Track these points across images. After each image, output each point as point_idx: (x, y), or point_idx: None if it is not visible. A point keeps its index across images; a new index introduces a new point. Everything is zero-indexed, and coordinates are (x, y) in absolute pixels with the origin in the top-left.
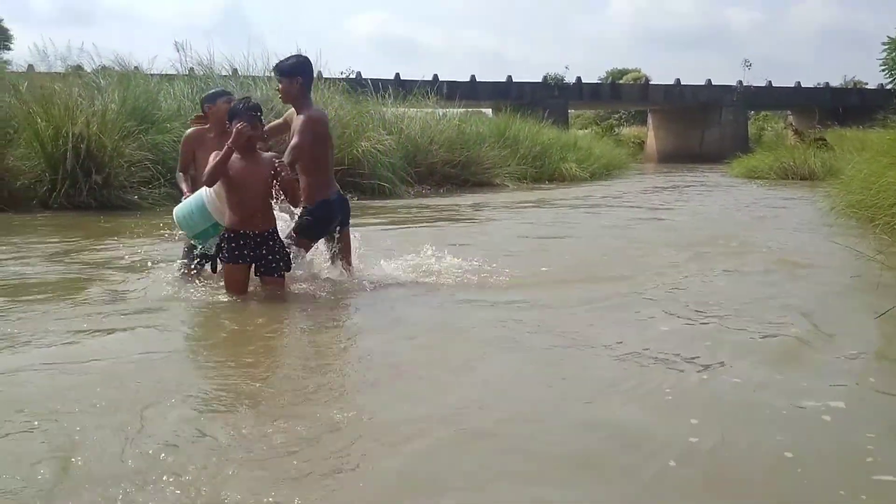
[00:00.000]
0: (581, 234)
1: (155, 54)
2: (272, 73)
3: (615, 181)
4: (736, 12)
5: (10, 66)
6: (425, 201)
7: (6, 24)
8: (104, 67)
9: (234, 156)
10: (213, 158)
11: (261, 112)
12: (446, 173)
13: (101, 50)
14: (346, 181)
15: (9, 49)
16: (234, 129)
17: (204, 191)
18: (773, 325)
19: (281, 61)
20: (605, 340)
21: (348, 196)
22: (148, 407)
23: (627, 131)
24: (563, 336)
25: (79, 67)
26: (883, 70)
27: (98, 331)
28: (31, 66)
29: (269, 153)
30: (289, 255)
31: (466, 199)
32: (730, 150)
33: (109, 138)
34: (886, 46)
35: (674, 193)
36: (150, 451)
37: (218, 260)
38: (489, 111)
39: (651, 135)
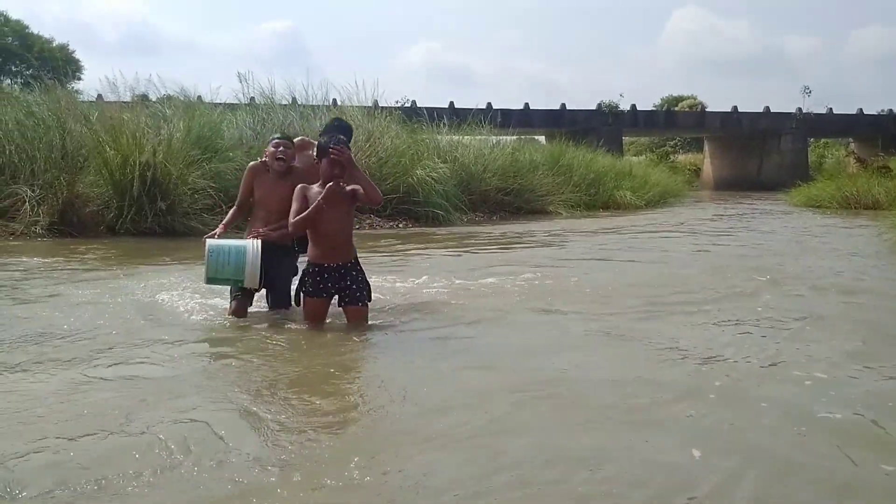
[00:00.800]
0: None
1: (219, 84)
2: (331, 104)
3: (674, 208)
4: (793, 39)
5: (80, 96)
6: (484, 228)
7: (76, 55)
8: (169, 97)
9: (316, 189)
10: (297, 199)
11: (348, 141)
12: (499, 201)
13: (165, 80)
14: (401, 208)
15: (79, 79)
16: (328, 189)
17: (251, 246)
18: None
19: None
20: None
21: (403, 223)
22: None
23: (683, 158)
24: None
25: (145, 97)
26: None
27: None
28: (100, 96)
29: (352, 186)
30: (369, 284)
31: (526, 227)
32: (789, 179)
33: (174, 166)
34: None
35: (740, 220)
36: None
37: (301, 293)
38: (542, 139)
39: (707, 162)
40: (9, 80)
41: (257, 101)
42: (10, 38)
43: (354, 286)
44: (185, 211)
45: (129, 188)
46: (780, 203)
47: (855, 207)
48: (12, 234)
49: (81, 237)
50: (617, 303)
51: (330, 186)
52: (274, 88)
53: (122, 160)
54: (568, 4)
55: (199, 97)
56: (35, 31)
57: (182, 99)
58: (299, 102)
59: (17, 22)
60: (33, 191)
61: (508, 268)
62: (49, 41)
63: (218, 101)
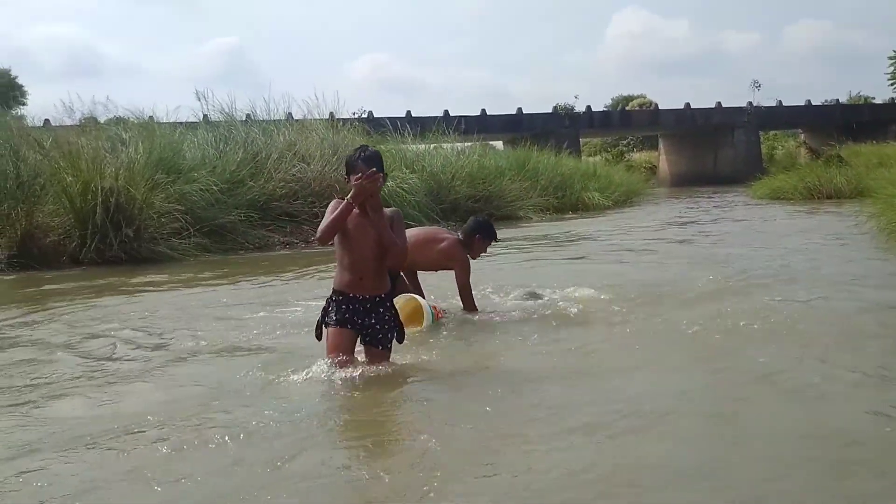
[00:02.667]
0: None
1: (176, 105)
2: (290, 117)
3: (644, 207)
4: (731, 34)
5: (27, 121)
6: None
7: (18, 80)
8: (120, 119)
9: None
10: (330, 211)
11: (381, 161)
12: (470, 208)
13: (113, 102)
14: None
15: (23, 104)
16: (355, 184)
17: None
18: None
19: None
20: None
21: None
22: None
23: (638, 156)
24: None
25: (93, 119)
26: (891, 84)
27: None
28: (47, 121)
29: (391, 208)
30: (402, 325)
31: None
32: (744, 171)
33: (138, 190)
34: (892, 61)
35: (724, 215)
36: None
37: (323, 326)
38: (499, 144)
39: (663, 159)
40: None
41: (216, 119)
42: None
43: (379, 325)
44: (151, 236)
45: (91, 215)
46: (743, 196)
47: (818, 198)
48: None
49: (44, 268)
50: None
51: (358, 183)
52: (234, 105)
53: (83, 186)
54: (508, 14)
55: (151, 117)
56: None
57: (136, 120)
58: (260, 118)
59: None
60: None
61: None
62: None
63: (176, 121)
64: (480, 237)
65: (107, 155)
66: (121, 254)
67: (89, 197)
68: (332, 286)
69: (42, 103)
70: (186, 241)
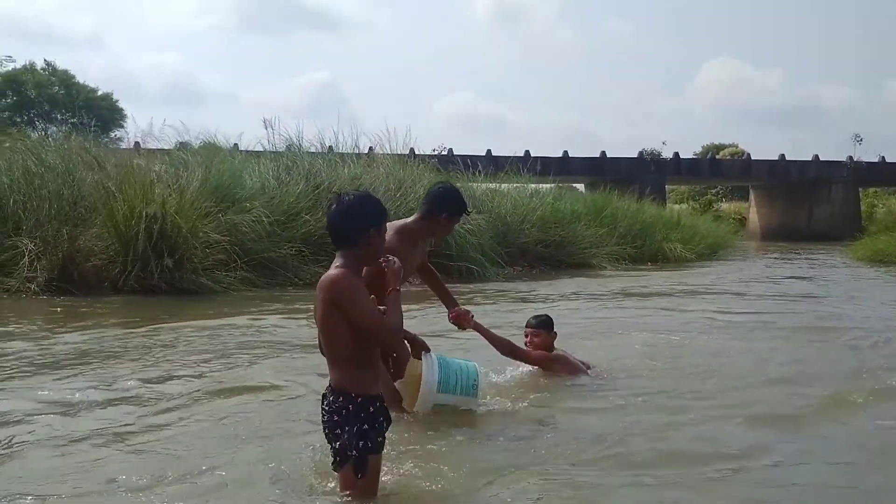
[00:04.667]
0: None
1: (241, 131)
2: (364, 151)
3: (731, 262)
4: (828, 88)
5: (121, 144)
6: (528, 285)
7: (119, 104)
8: (186, 144)
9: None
10: (368, 300)
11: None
12: (539, 253)
13: (208, 130)
14: (433, 262)
15: (122, 127)
16: (396, 269)
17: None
18: None
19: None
20: None
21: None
22: None
23: (727, 206)
24: None
25: (184, 144)
26: None
27: None
28: (137, 144)
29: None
30: (364, 433)
31: (570, 284)
32: (840, 229)
33: (185, 219)
34: None
35: (826, 278)
36: None
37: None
38: (581, 187)
39: (753, 211)
40: (54, 128)
41: (282, 149)
42: (56, 88)
43: (327, 430)
44: (194, 267)
45: (133, 241)
46: (841, 256)
47: None
48: (7, 290)
49: (80, 295)
50: None
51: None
52: (302, 134)
53: (129, 210)
54: (596, 59)
55: (236, 145)
56: (81, 81)
57: (198, 146)
58: (329, 149)
59: (64, 72)
60: (35, 244)
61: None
62: (94, 90)
63: (248, 150)
64: (448, 216)
65: (162, 178)
66: (161, 283)
67: (133, 222)
68: (364, 390)
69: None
70: (232, 275)
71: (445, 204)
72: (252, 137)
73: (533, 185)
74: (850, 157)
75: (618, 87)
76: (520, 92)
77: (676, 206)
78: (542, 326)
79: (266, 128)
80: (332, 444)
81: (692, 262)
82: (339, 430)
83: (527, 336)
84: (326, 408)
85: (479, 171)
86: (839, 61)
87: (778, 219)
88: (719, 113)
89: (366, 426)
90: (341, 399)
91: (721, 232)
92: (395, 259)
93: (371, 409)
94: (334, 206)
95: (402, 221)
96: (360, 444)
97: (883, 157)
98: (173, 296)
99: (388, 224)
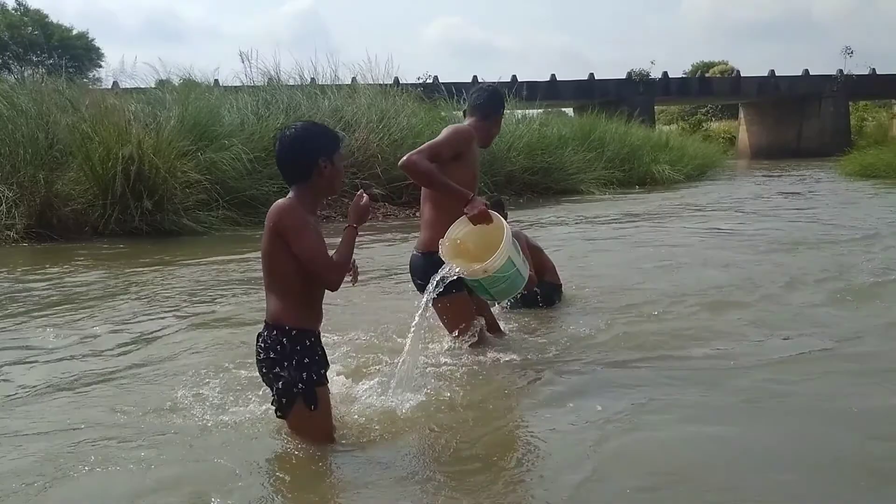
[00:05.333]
0: None
1: (218, 66)
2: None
3: (720, 182)
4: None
5: (100, 84)
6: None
7: (95, 43)
8: (162, 81)
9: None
10: (318, 237)
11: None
12: (526, 181)
13: (189, 66)
14: (418, 194)
15: (100, 67)
16: (361, 207)
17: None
18: None
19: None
20: None
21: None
22: None
23: (716, 126)
24: None
25: (164, 83)
26: None
27: None
28: (115, 83)
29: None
30: (305, 366)
31: (572, 210)
32: (830, 145)
33: (163, 159)
34: None
35: (820, 197)
36: None
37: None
38: (570, 111)
39: (743, 129)
40: (30, 71)
41: (260, 83)
42: (29, 28)
43: (265, 370)
44: (175, 208)
45: (111, 184)
46: (831, 172)
47: None
48: None
49: (62, 240)
50: None
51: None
52: (279, 67)
53: (106, 153)
54: None
55: (217, 81)
56: (55, 21)
57: (177, 83)
58: (307, 82)
59: (36, 11)
60: (12, 191)
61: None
62: (69, 30)
63: (229, 85)
64: (500, 115)
65: (139, 118)
66: (142, 225)
67: (110, 164)
68: (300, 324)
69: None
70: (214, 214)
71: (501, 102)
72: (230, 72)
73: (520, 112)
74: (840, 71)
75: (607, 6)
76: (508, 16)
77: (665, 128)
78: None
79: (243, 61)
80: (273, 387)
81: (680, 182)
82: (277, 368)
83: None
84: (262, 345)
85: (465, 100)
86: None
87: (768, 136)
88: (709, 30)
89: (306, 359)
90: (275, 333)
91: (710, 152)
92: (366, 196)
93: (308, 342)
94: (278, 143)
95: (465, 126)
96: (305, 375)
97: (873, 70)
98: (155, 238)
99: (459, 129)
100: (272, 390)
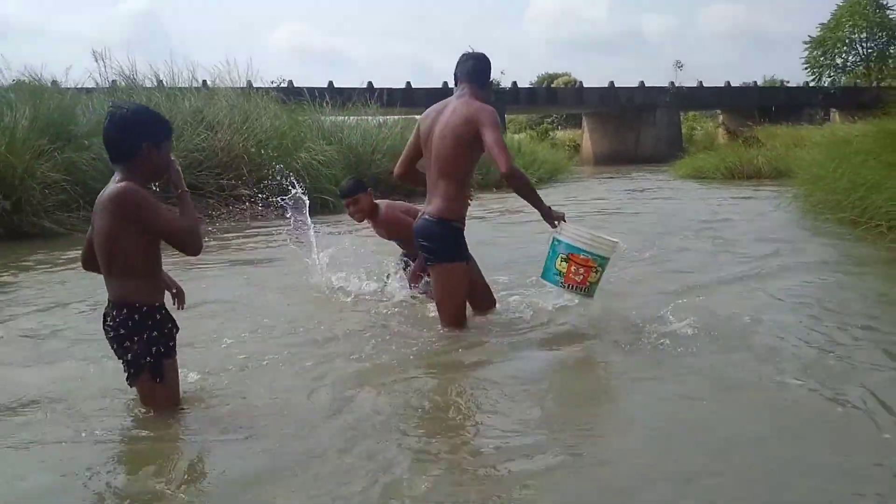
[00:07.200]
0: None
1: (70, 66)
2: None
3: (569, 184)
4: (650, 17)
5: None
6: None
7: None
8: (18, 82)
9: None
10: (161, 208)
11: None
12: (392, 183)
13: (13, 65)
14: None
15: None
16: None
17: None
18: None
19: None
20: None
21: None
22: None
23: (562, 134)
24: None
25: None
26: (805, 68)
27: None
28: None
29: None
30: (154, 339)
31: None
32: (664, 151)
33: (19, 159)
34: (808, 46)
35: (656, 195)
36: None
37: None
38: None
39: (586, 137)
40: None
41: (118, 84)
42: None
43: (115, 346)
44: (34, 209)
45: None
46: (665, 175)
47: (738, 178)
48: None
49: None
50: None
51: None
52: (135, 68)
53: None
54: None
55: (55, 81)
56: None
57: (28, 82)
58: (165, 84)
59: None
60: None
61: None
62: None
63: (79, 87)
64: (489, 84)
65: None
66: None
67: None
68: (149, 300)
69: None
70: (76, 215)
71: (490, 68)
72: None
73: (381, 118)
74: (672, 83)
75: (455, 17)
76: (356, 24)
77: (516, 136)
78: (357, 189)
79: (96, 60)
80: (123, 359)
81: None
82: (127, 343)
83: (348, 209)
84: (111, 324)
85: (328, 103)
86: None
87: (609, 144)
88: (552, 43)
89: (155, 333)
90: (125, 311)
91: (558, 158)
92: (176, 161)
93: (157, 317)
94: (107, 119)
95: (488, 105)
96: (153, 349)
97: (701, 82)
98: (13, 240)
99: (489, 109)
100: (122, 362)
